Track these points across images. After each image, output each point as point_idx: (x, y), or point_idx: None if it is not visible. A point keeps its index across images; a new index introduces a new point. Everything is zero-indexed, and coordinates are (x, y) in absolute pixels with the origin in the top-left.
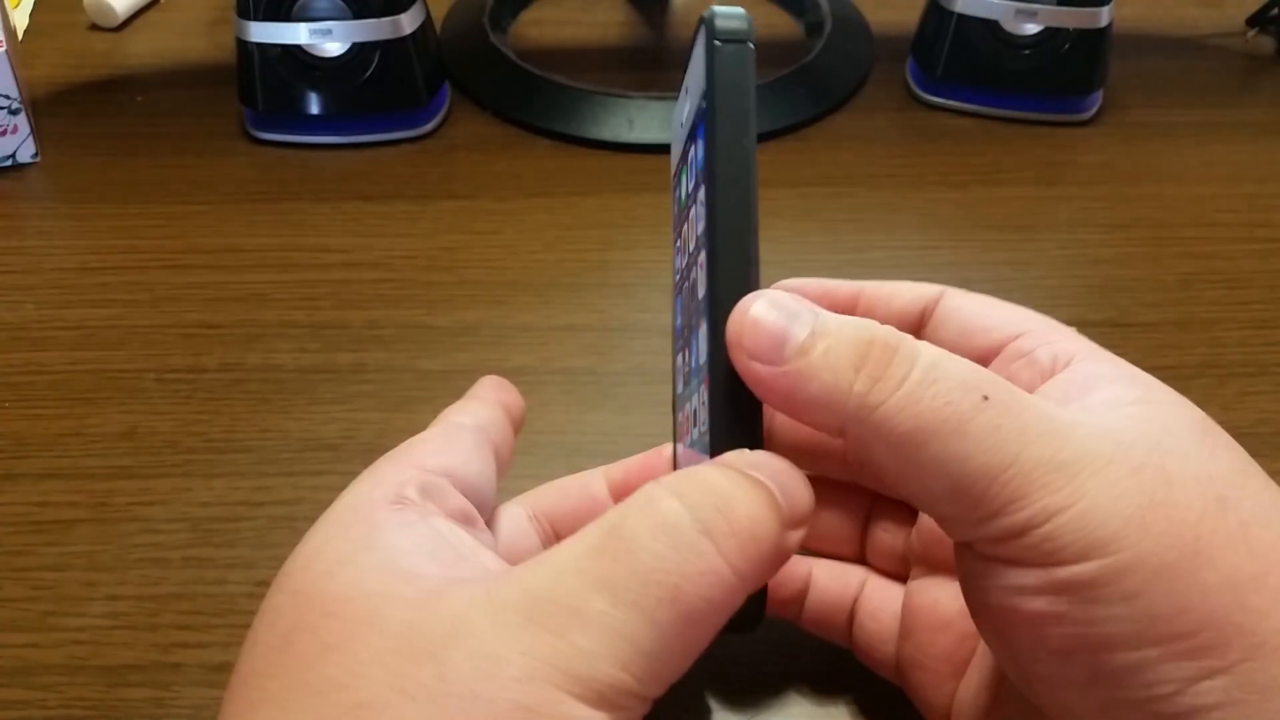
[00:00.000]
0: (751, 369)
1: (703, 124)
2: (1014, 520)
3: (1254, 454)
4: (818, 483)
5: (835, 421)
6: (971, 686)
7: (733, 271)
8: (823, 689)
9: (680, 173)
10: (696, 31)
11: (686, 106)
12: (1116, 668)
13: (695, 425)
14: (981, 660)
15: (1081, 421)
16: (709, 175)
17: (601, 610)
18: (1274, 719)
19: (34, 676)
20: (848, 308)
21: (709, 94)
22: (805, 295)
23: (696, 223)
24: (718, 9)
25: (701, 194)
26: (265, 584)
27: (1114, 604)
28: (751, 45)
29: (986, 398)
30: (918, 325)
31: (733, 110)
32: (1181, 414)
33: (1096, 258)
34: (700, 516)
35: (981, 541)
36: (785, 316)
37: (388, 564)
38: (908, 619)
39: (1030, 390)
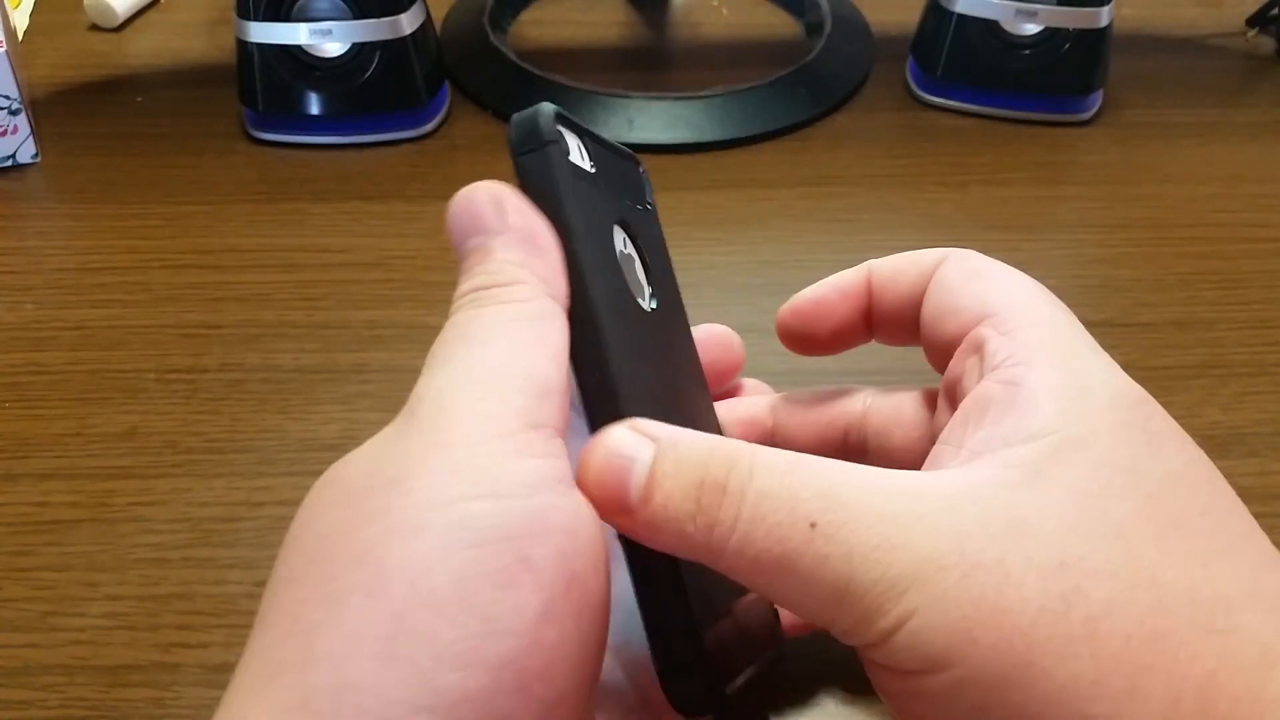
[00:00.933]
0: (613, 522)
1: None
2: (864, 638)
3: (1254, 454)
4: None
5: (699, 557)
6: None
7: (596, 406)
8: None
9: None
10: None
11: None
12: None
13: None
14: None
15: (925, 512)
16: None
17: (422, 383)
18: None
19: (34, 676)
20: (860, 297)
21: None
22: (820, 300)
23: None
24: (514, 117)
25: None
26: (265, 584)
27: (960, 712)
28: (551, 146)
29: (814, 525)
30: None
31: (554, 221)
32: (1086, 445)
33: (1096, 258)
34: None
35: (849, 645)
36: (621, 461)
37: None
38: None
39: (967, 392)
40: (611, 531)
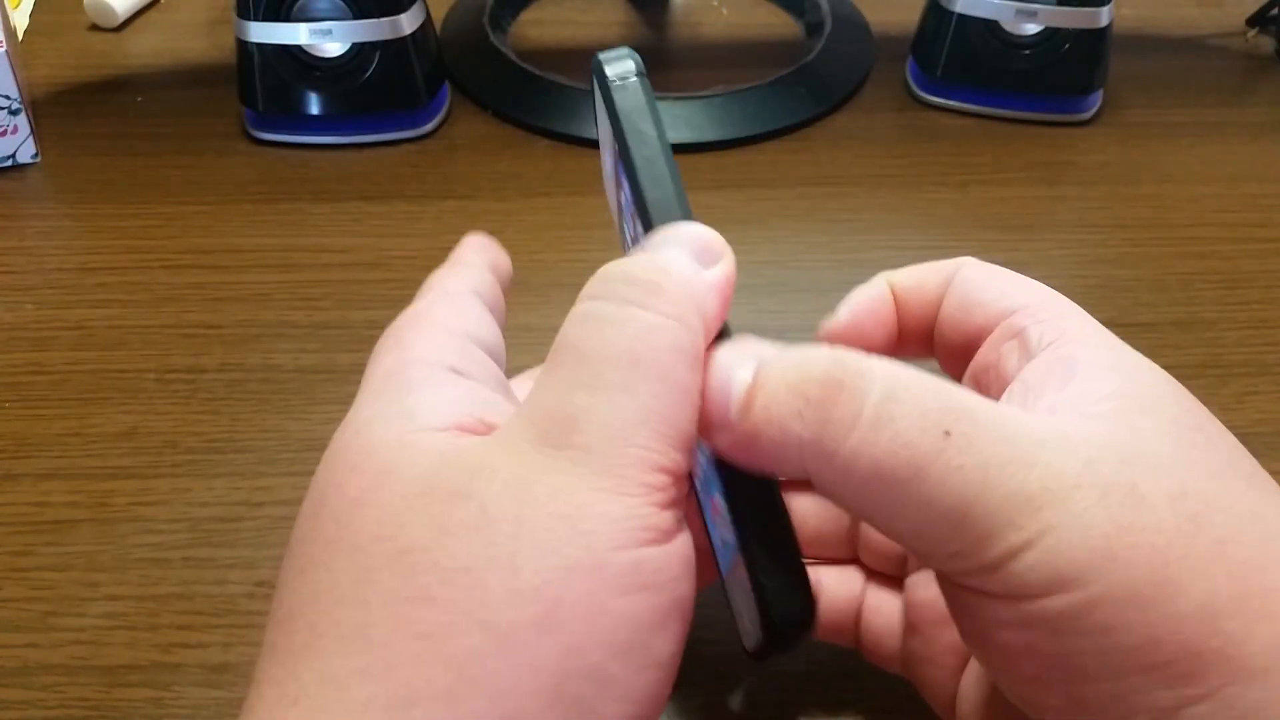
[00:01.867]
0: (712, 443)
1: (622, 164)
2: (982, 560)
3: (1254, 454)
4: (808, 488)
5: (796, 470)
6: (971, 677)
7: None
8: (835, 685)
9: (621, 226)
10: (591, 83)
11: (607, 158)
12: (1092, 697)
13: None
14: None
15: (1049, 438)
16: (639, 207)
17: (582, 405)
18: None
19: (34, 676)
20: (889, 312)
21: (618, 135)
22: (853, 324)
23: (630, 216)
24: (601, 55)
25: (640, 230)
26: (265, 584)
27: (1084, 636)
28: (639, 79)
29: (948, 433)
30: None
31: (643, 142)
32: (1162, 412)
33: (1096, 258)
34: (614, 296)
35: (951, 574)
36: (721, 372)
37: (408, 415)
38: (910, 615)
39: (1011, 375)
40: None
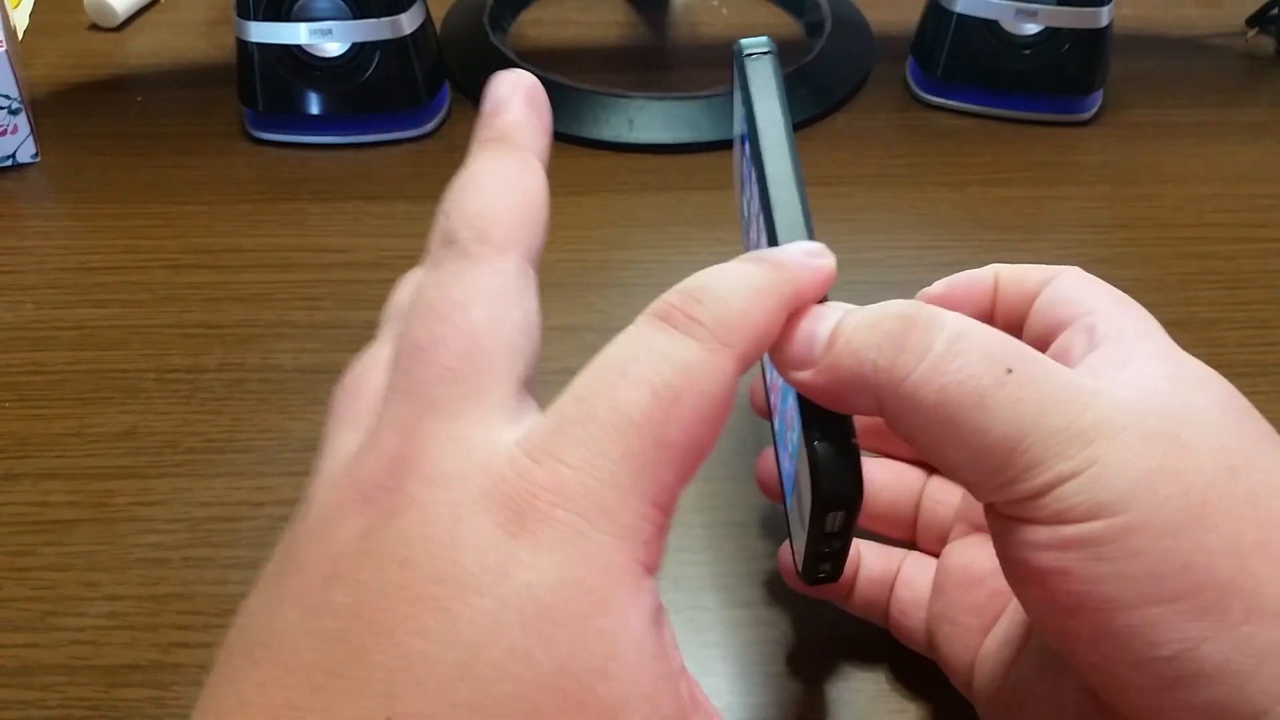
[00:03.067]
0: (793, 379)
1: (746, 129)
2: (1030, 485)
3: None
4: (878, 465)
5: (871, 401)
6: (998, 638)
7: (789, 230)
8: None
9: (742, 188)
10: (732, 68)
11: (738, 126)
12: (1120, 627)
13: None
14: (1010, 616)
15: (1104, 391)
16: (757, 167)
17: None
18: (1270, 683)
19: (34, 676)
20: (987, 293)
21: (746, 101)
22: (948, 294)
23: (756, 218)
24: (743, 40)
25: (756, 190)
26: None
27: (1117, 561)
28: (773, 55)
29: (1010, 370)
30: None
31: (767, 106)
32: (1209, 389)
33: (1096, 258)
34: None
35: (1000, 504)
36: (811, 319)
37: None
38: (941, 578)
39: (1075, 360)
40: None
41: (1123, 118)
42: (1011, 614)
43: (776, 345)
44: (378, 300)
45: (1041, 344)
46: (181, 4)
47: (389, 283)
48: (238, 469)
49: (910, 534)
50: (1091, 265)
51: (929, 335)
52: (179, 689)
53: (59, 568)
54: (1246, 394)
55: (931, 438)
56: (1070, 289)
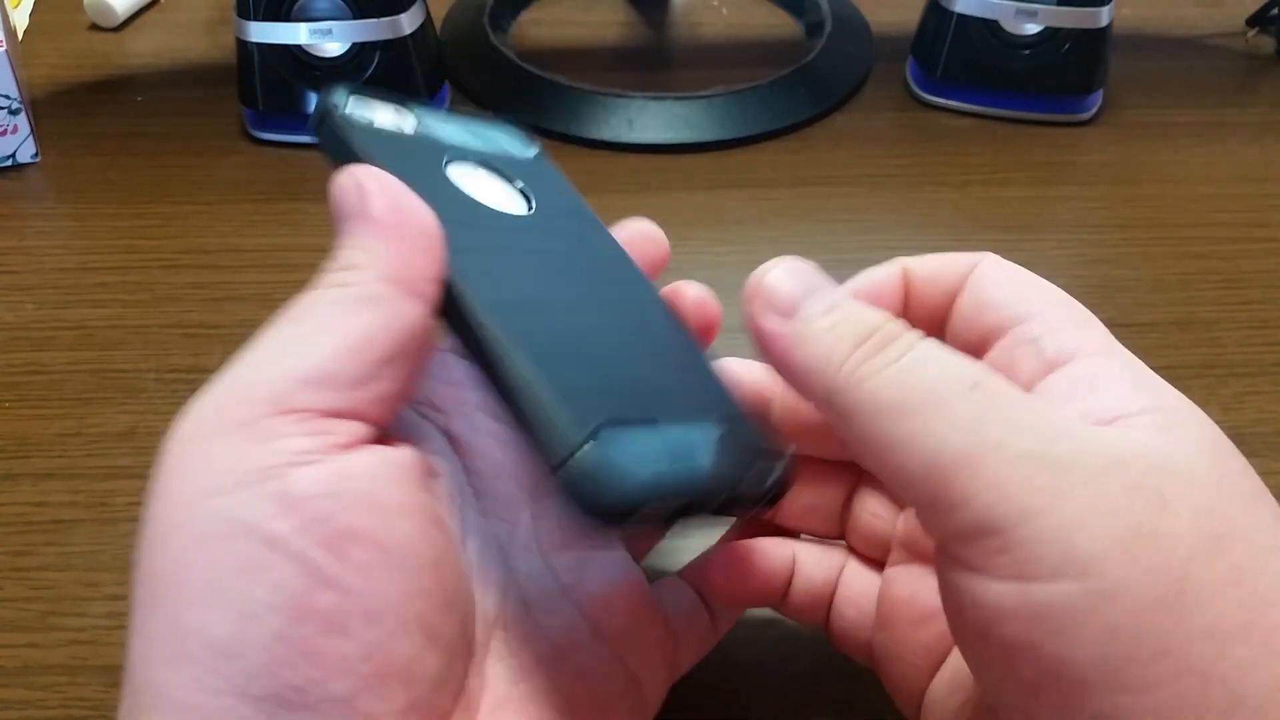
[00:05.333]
0: (762, 321)
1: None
2: (989, 514)
3: (1254, 454)
4: (805, 461)
5: (822, 388)
6: (944, 684)
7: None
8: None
9: None
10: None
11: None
12: (1086, 712)
13: None
14: (957, 658)
15: (1079, 424)
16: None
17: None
18: None
19: (34, 676)
20: (897, 294)
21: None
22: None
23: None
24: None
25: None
26: None
27: (1090, 638)
28: (327, 114)
29: (977, 384)
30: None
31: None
32: (1192, 431)
33: (1096, 258)
34: None
35: (953, 539)
36: (804, 287)
37: None
38: (885, 609)
39: (1030, 385)
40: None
41: (1123, 118)
42: (959, 656)
43: (757, 279)
44: None
45: (974, 355)
46: (181, 4)
47: None
48: None
49: (839, 531)
50: (1091, 265)
51: (903, 347)
52: None
53: (59, 568)
54: (1246, 394)
55: (882, 441)
56: (995, 288)
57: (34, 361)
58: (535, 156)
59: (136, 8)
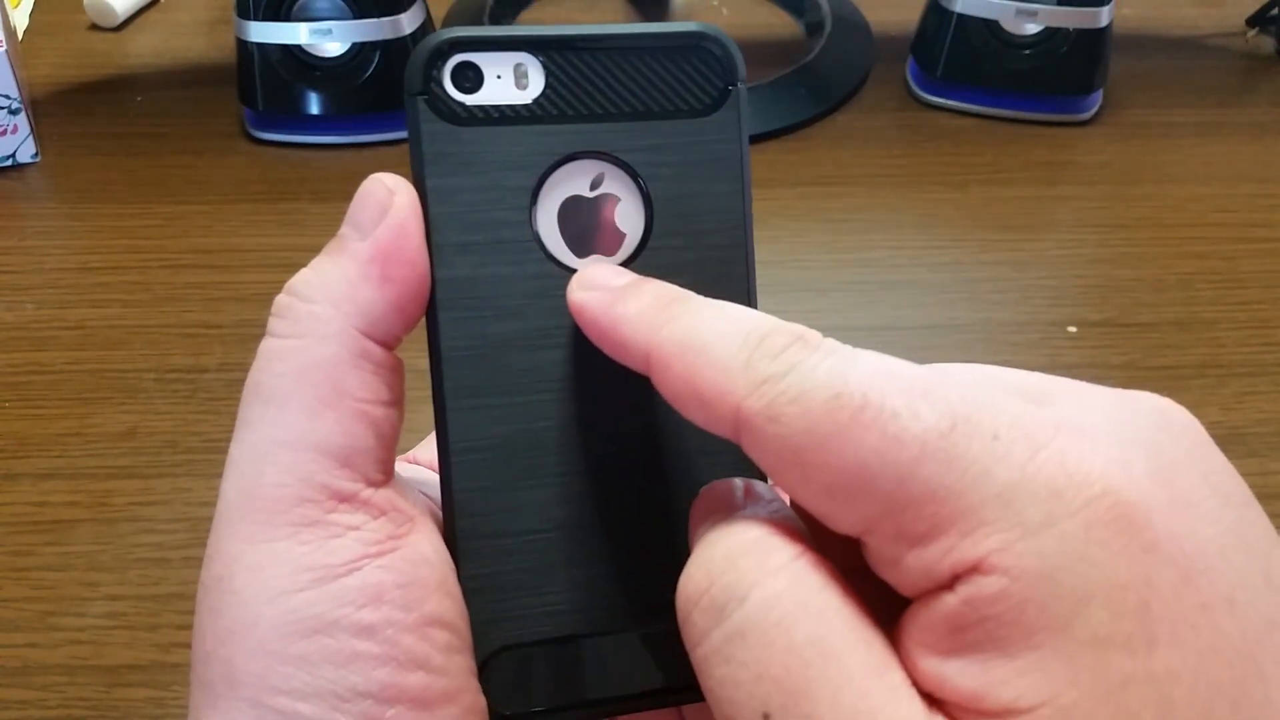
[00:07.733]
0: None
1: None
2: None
3: (1254, 454)
4: None
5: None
6: None
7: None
8: None
9: None
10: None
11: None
12: None
13: None
14: None
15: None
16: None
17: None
18: None
19: (34, 676)
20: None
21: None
22: None
23: None
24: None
25: None
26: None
27: None
28: (415, 99)
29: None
30: None
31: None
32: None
33: (1096, 258)
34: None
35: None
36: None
37: None
38: None
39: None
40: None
41: (1123, 118)
42: None
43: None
44: None
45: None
46: (181, 4)
47: None
48: None
49: None
50: (1091, 265)
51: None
52: (179, 689)
53: (59, 568)
54: (1246, 394)
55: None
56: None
57: (34, 361)
58: (718, 117)
59: (136, 8)
